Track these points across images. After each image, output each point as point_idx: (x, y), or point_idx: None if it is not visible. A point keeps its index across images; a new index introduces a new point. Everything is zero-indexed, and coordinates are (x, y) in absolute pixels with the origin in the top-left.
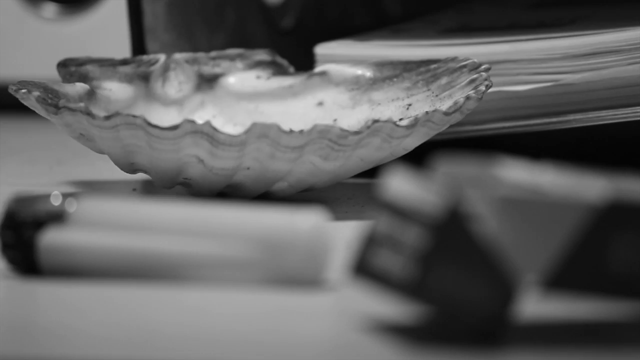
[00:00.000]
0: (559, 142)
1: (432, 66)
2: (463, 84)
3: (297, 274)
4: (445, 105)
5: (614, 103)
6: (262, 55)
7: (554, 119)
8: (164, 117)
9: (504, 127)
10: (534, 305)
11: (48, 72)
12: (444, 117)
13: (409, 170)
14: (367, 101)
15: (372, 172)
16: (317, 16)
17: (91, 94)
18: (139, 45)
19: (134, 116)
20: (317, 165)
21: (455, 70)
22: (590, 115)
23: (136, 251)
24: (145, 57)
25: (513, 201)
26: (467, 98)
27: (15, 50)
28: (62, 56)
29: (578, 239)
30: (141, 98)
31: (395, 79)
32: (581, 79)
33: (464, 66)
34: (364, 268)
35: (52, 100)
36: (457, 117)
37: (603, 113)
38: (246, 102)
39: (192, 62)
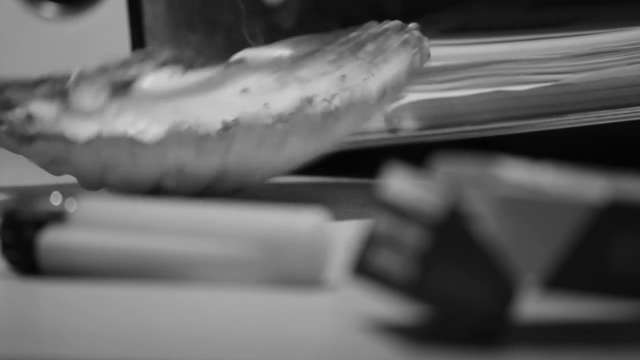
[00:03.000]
0: (559, 142)
1: (352, 35)
2: (395, 46)
3: (297, 274)
4: (386, 69)
5: (614, 103)
6: (166, 53)
7: (554, 119)
8: (89, 128)
9: (504, 127)
10: (534, 305)
11: (48, 72)
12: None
13: (409, 170)
14: (295, 80)
15: (372, 172)
16: (317, 16)
17: (29, 118)
18: (139, 45)
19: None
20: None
21: (378, 35)
22: (590, 115)
23: (136, 251)
24: (58, 74)
25: (513, 201)
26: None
27: (15, 50)
28: (62, 56)
29: (578, 239)
30: (64, 114)
31: (316, 54)
32: (581, 79)
33: (387, 29)
34: (364, 268)
35: (19, 130)
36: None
37: (603, 113)
38: (165, 102)
39: (102, 71)
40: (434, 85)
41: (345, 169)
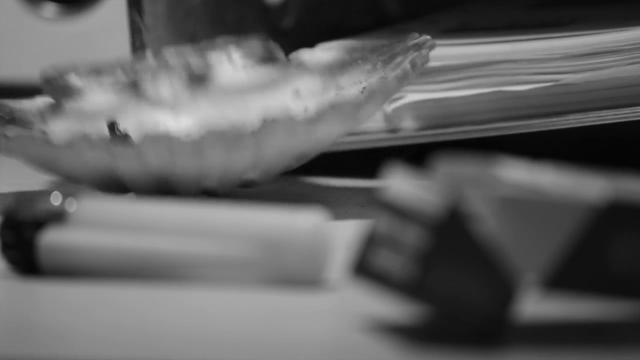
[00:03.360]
0: (559, 142)
1: (392, 44)
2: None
3: (297, 274)
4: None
5: (614, 103)
6: (253, 42)
7: (554, 119)
8: (159, 118)
9: (504, 127)
10: (534, 305)
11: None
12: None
13: (409, 170)
14: (335, 87)
15: (372, 172)
16: (317, 16)
17: (55, 107)
18: (139, 45)
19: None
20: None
21: (409, 48)
22: (590, 115)
23: (136, 251)
24: (129, 61)
25: (513, 201)
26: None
27: (15, 50)
28: (62, 56)
29: (578, 239)
30: (131, 101)
31: (360, 61)
32: (581, 79)
33: (420, 44)
34: (364, 268)
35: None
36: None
37: (603, 113)
38: (235, 96)
39: (179, 55)
40: (434, 85)
41: (346, 169)
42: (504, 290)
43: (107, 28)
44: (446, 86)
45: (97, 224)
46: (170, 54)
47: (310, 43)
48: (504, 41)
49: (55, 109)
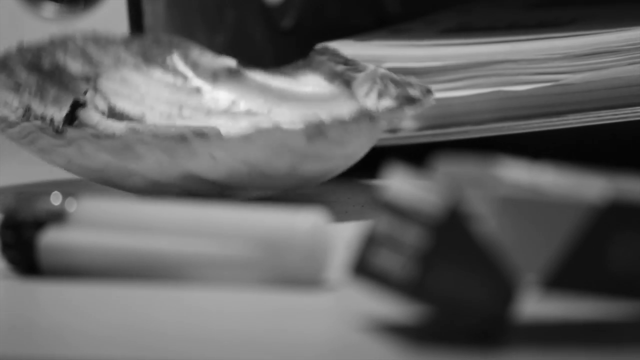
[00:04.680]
0: (559, 142)
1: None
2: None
3: (297, 274)
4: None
5: (614, 103)
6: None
7: (554, 119)
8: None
9: (504, 127)
10: (534, 305)
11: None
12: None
13: (409, 170)
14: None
15: (372, 172)
16: (317, 16)
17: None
18: None
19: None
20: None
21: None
22: (590, 115)
23: (136, 251)
24: (354, 62)
25: (513, 201)
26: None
27: None
28: None
29: (578, 239)
30: (344, 97)
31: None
32: (581, 79)
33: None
34: (364, 268)
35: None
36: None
37: (603, 113)
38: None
39: (398, 84)
40: (434, 85)
41: (346, 169)
42: (504, 290)
43: (107, 28)
44: (446, 86)
45: (97, 224)
46: (387, 75)
47: (310, 43)
48: (504, 41)
49: (235, 73)
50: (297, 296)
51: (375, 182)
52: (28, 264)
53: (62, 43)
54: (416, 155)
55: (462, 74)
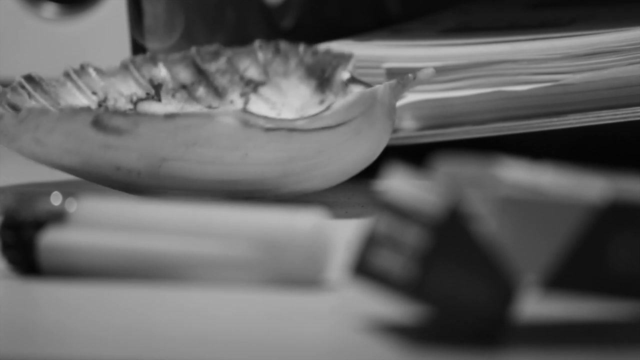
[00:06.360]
0: (559, 142)
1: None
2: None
3: (297, 274)
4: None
5: (614, 103)
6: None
7: (554, 119)
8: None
9: (504, 127)
10: (534, 305)
11: (47, 72)
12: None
13: (409, 170)
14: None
15: (372, 172)
16: (317, 16)
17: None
18: (139, 46)
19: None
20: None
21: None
22: (590, 116)
23: (136, 251)
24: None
25: (513, 201)
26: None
27: (15, 50)
28: (62, 56)
29: (578, 239)
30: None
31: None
32: (581, 79)
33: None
34: (364, 268)
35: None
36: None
37: (603, 113)
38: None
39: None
40: (434, 85)
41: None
42: (504, 290)
43: (107, 28)
44: (446, 86)
45: (97, 224)
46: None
47: (310, 43)
48: (504, 41)
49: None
50: (297, 296)
51: (375, 182)
52: (28, 264)
53: None
54: (416, 155)
55: (462, 74)
